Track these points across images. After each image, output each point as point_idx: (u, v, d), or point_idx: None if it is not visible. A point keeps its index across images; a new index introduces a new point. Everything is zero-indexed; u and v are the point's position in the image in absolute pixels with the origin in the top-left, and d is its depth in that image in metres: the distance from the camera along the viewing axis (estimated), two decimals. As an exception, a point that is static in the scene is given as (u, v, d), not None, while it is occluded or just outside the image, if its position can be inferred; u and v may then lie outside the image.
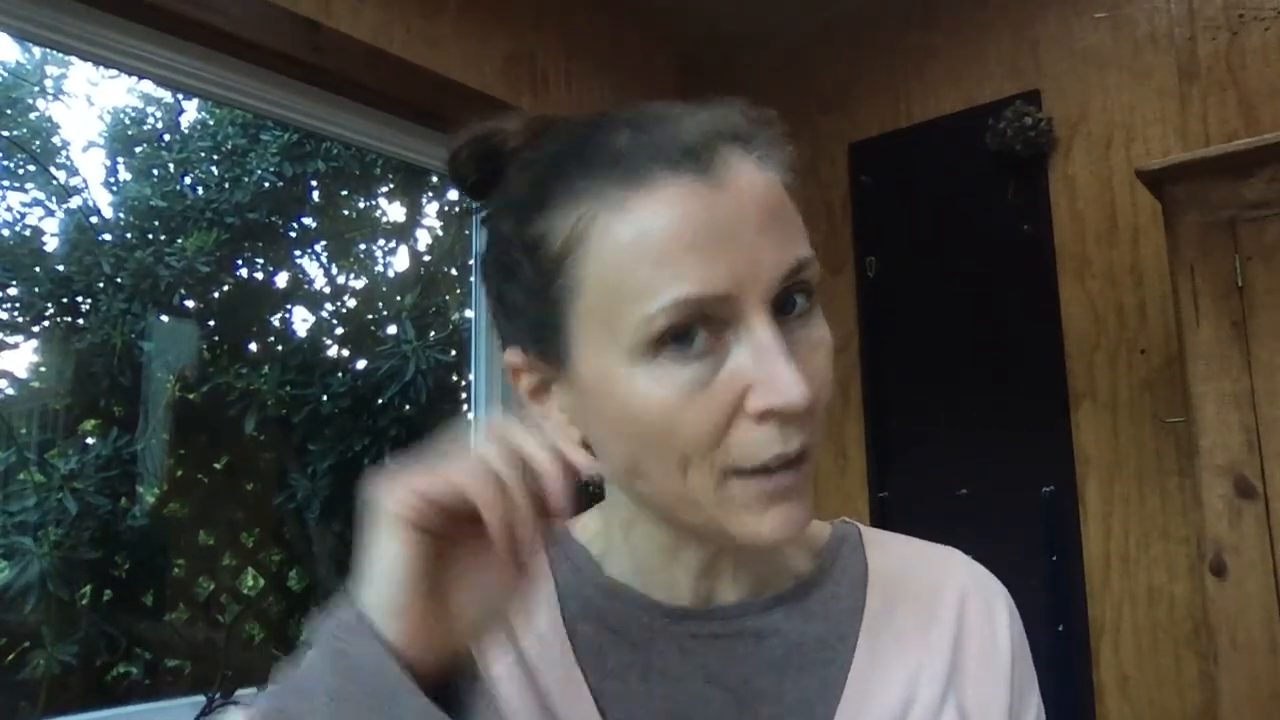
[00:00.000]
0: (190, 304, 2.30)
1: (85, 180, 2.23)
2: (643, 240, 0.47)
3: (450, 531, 0.44)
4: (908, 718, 0.55)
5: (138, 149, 2.33)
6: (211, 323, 2.40)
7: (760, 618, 0.57)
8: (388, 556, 0.44)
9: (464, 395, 2.49)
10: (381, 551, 0.44)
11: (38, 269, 2.06)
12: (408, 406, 2.39)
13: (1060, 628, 1.84)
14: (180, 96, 2.34)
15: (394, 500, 0.44)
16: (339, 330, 2.70)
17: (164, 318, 2.22)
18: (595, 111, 0.53)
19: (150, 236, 2.24)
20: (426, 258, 2.86)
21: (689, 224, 0.47)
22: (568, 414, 0.53)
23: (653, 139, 0.48)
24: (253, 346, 2.52)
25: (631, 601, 0.57)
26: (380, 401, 2.38)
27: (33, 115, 2.15)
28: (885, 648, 0.57)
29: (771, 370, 0.47)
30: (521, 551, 0.45)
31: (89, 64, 1.82)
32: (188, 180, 2.36)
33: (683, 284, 0.46)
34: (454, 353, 2.44)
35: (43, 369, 2.13)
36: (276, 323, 2.61)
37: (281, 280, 2.62)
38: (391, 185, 2.82)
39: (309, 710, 0.43)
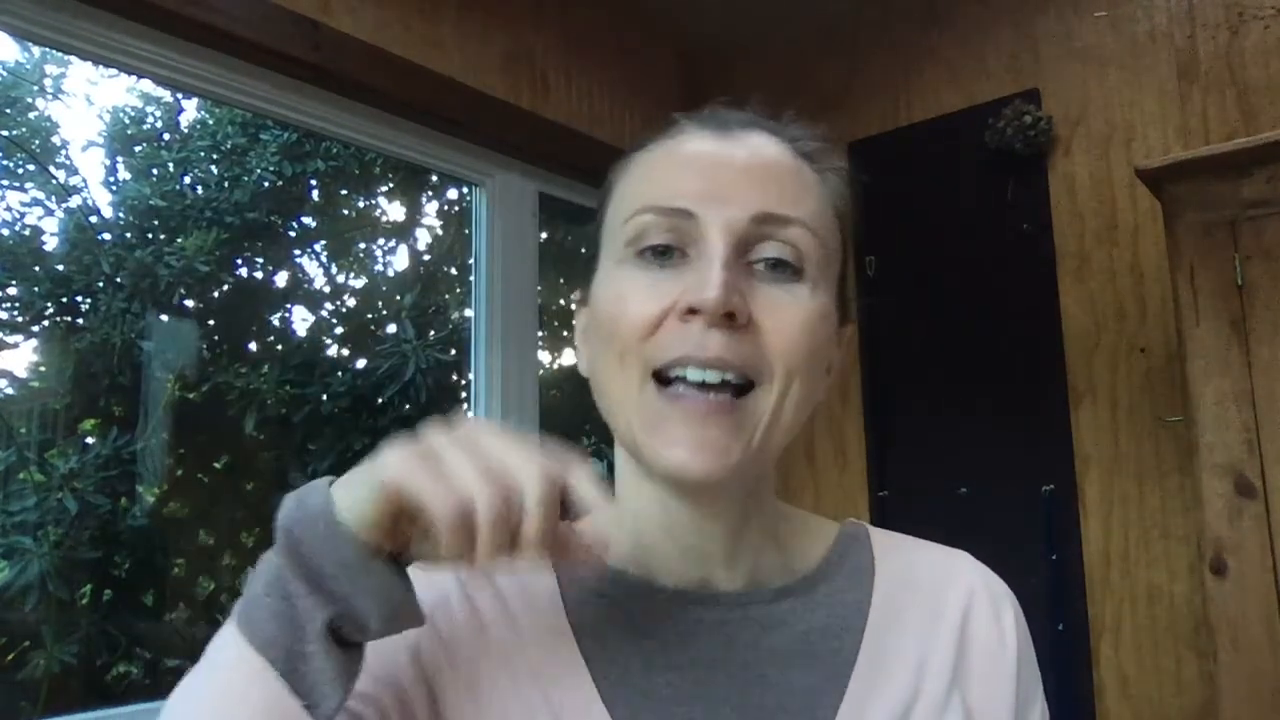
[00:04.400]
0: (190, 304, 2.30)
1: (85, 180, 2.23)
2: (645, 166, 0.57)
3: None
4: (913, 711, 0.55)
5: (137, 148, 2.33)
6: (211, 322, 2.39)
7: (766, 607, 0.57)
8: (361, 497, 0.46)
9: (464, 394, 2.49)
10: (362, 485, 0.46)
11: (37, 269, 2.06)
12: (407, 406, 2.38)
13: (1060, 627, 1.84)
14: (180, 96, 2.34)
15: (393, 468, 0.45)
16: (339, 330, 2.70)
17: (164, 317, 2.21)
18: None
19: (150, 236, 2.24)
20: (426, 257, 2.86)
21: (681, 156, 0.56)
22: (585, 335, 0.59)
23: (707, 114, 0.58)
24: (252, 346, 2.51)
25: (633, 587, 0.57)
26: (380, 401, 2.37)
27: (32, 115, 2.15)
28: (891, 642, 0.57)
29: (701, 274, 0.51)
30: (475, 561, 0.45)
31: (88, 63, 1.81)
32: (187, 180, 2.35)
33: (652, 192, 0.55)
34: (454, 352, 2.44)
35: (42, 369, 2.13)
36: (276, 322, 2.60)
37: (281, 280, 2.62)
38: (391, 185, 2.82)
39: (263, 594, 0.47)
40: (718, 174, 0.54)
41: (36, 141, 2.16)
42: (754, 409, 0.52)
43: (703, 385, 0.51)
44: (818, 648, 0.57)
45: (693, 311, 0.51)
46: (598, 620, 0.57)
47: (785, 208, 0.54)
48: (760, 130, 0.57)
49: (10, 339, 2.03)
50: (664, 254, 0.53)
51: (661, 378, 0.52)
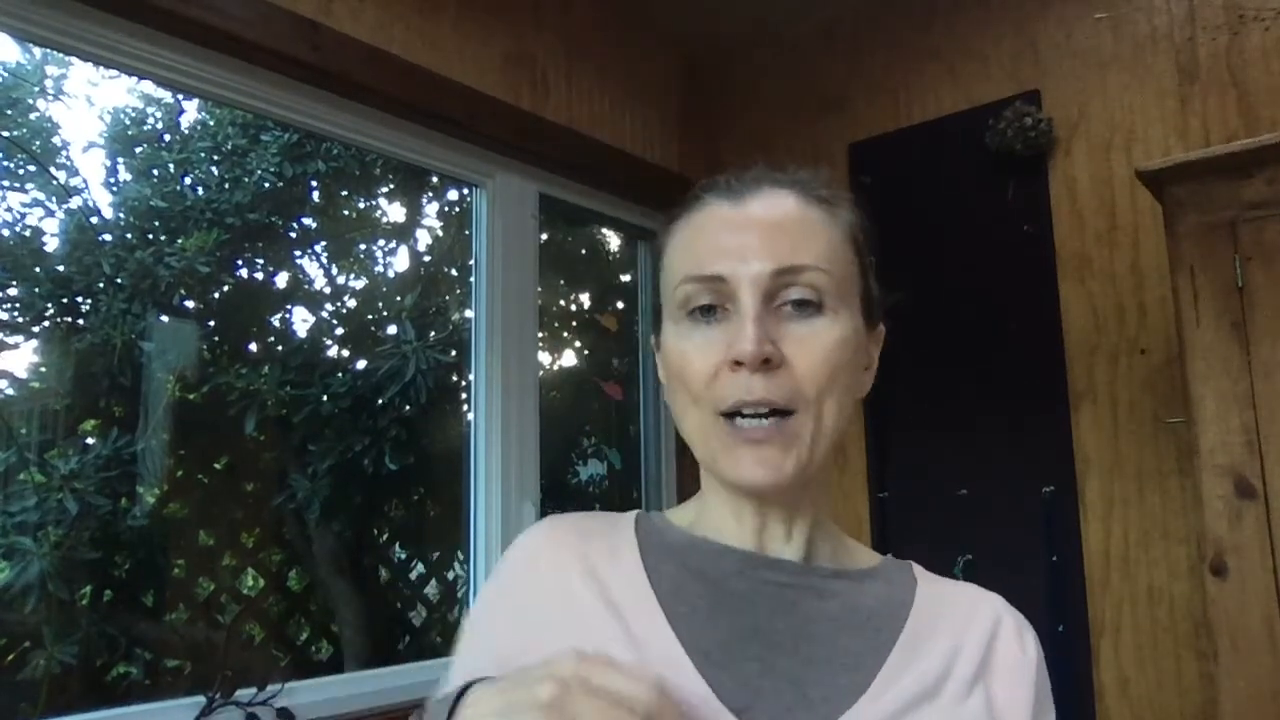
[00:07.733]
0: (190, 304, 2.30)
1: (85, 180, 2.23)
2: (682, 241, 0.70)
3: None
4: (944, 686, 0.64)
5: (138, 149, 2.33)
6: (211, 323, 2.39)
7: (825, 581, 0.68)
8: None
9: (464, 395, 2.49)
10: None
11: (38, 269, 2.06)
12: (408, 406, 2.38)
13: (1060, 628, 1.84)
14: (180, 97, 2.34)
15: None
16: (339, 330, 2.70)
17: (164, 318, 2.21)
18: None
19: (150, 237, 2.24)
20: (426, 258, 2.86)
21: (708, 230, 0.69)
22: (663, 374, 0.72)
23: (722, 183, 0.70)
24: (253, 347, 2.51)
25: (709, 548, 0.69)
26: (380, 402, 2.37)
27: (33, 115, 2.15)
28: (928, 633, 0.67)
29: (739, 329, 0.64)
30: None
31: (89, 64, 1.81)
32: (188, 180, 2.35)
33: (690, 263, 0.68)
34: (454, 353, 2.43)
35: (43, 369, 2.13)
36: (276, 323, 2.60)
37: (281, 280, 2.61)
38: (391, 185, 2.82)
39: None
40: (739, 238, 0.66)
41: (37, 142, 2.16)
42: (797, 429, 0.64)
43: (755, 416, 0.64)
44: (864, 624, 0.67)
45: (738, 363, 0.63)
46: (675, 571, 0.68)
47: (798, 258, 0.65)
48: (768, 185, 0.69)
49: (10, 339, 2.03)
50: (709, 311, 0.66)
51: (726, 413, 0.65)
